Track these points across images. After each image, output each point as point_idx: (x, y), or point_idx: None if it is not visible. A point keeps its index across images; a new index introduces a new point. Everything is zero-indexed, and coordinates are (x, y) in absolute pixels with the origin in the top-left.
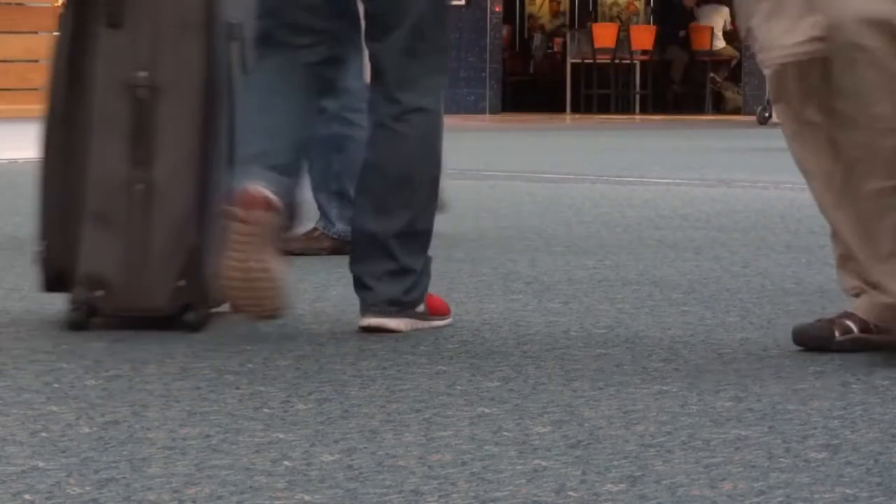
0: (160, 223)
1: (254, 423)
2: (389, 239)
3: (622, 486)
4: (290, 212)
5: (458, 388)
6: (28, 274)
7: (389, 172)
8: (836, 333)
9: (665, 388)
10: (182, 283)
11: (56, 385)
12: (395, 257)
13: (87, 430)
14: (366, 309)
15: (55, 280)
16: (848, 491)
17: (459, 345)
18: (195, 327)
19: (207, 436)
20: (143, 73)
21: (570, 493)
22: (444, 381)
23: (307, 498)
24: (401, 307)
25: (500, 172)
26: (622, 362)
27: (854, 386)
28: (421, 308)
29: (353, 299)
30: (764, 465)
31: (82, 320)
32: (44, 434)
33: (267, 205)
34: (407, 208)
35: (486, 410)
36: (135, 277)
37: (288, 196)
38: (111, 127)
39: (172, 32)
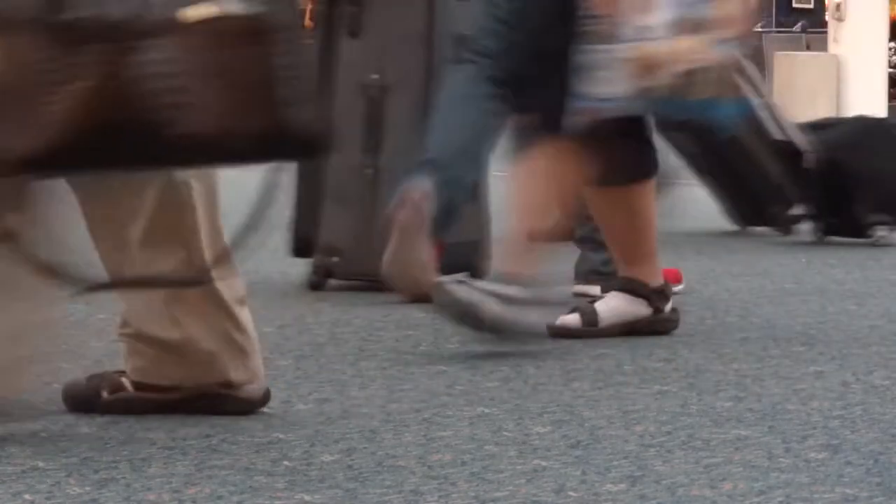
0: (385, 202)
1: (254, 423)
2: None
3: (622, 486)
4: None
5: (458, 388)
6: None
7: None
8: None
9: (665, 388)
10: None
11: (56, 385)
12: None
13: (87, 430)
14: None
15: (302, 248)
16: (848, 491)
17: (459, 345)
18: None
19: (207, 436)
20: (374, 76)
21: (570, 493)
22: (444, 381)
23: (307, 498)
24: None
25: (499, 173)
26: (622, 362)
27: (854, 386)
28: None
29: (353, 300)
30: (764, 465)
31: (320, 282)
32: (44, 434)
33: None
34: None
35: (486, 410)
36: (363, 248)
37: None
38: (348, 121)
39: (400, 41)
